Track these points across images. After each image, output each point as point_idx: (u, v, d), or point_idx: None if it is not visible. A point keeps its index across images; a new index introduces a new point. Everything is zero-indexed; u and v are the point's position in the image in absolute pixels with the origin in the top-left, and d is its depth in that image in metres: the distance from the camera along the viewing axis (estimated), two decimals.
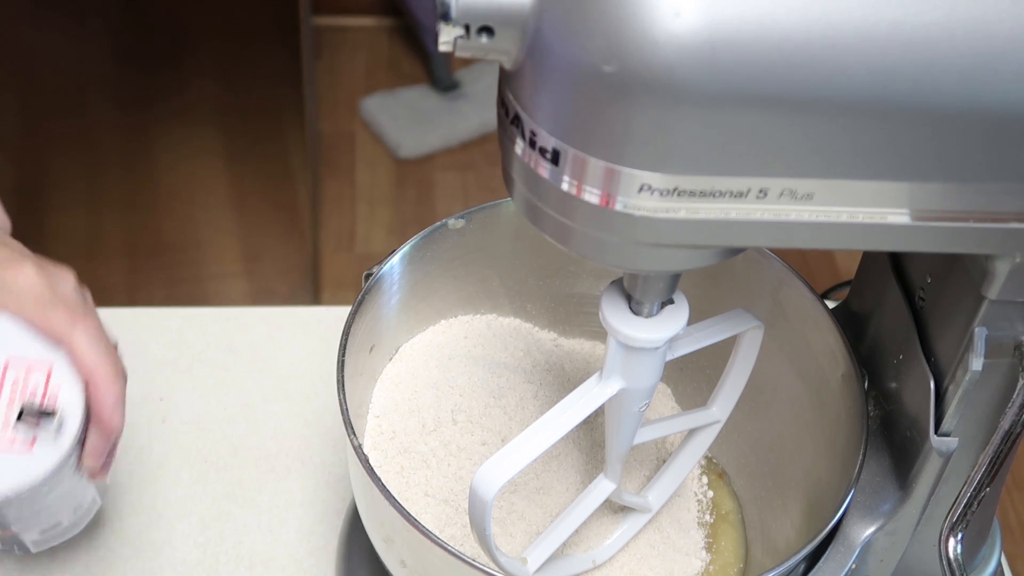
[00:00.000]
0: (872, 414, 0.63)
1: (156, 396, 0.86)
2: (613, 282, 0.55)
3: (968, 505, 0.56)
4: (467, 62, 2.39)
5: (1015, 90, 0.42)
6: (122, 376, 0.60)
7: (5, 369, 0.58)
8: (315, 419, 0.85)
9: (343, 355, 0.62)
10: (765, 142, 0.42)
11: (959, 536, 0.56)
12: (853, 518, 0.61)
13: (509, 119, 0.46)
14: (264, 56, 1.68)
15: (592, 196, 0.44)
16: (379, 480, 0.57)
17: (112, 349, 0.60)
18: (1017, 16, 0.41)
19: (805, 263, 2.06)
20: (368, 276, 0.67)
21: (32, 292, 0.59)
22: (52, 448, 0.58)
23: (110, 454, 0.63)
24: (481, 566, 0.55)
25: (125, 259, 1.77)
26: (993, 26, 0.41)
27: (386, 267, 0.68)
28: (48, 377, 0.59)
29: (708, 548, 0.72)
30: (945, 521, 0.57)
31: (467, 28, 0.43)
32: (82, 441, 0.60)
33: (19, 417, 0.58)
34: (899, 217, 0.46)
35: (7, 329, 0.59)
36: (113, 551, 0.77)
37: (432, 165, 2.28)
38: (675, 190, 0.43)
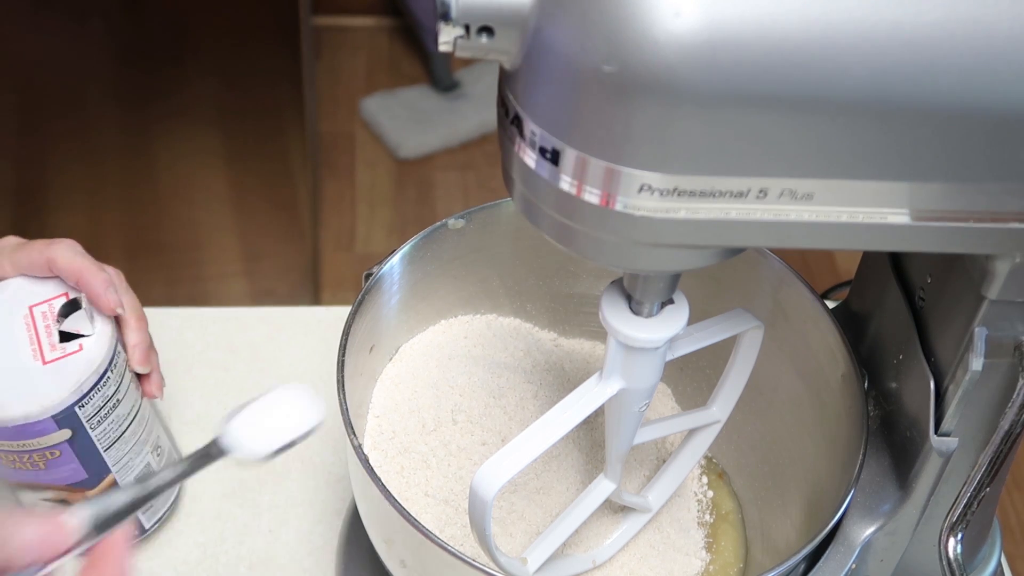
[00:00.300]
0: (872, 414, 0.63)
1: None
2: (613, 282, 0.55)
3: (968, 505, 0.56)
4: (467, 62, 2.39)
5: (1015, 90, 0.42)
6: (105, 272, 0.69)
7: (31, 309, 0.68)
8: None
9: (343, 355, 0.62)
10: (765, 142, 0.42)
11: (959, 536, 0.56)
12: (853, 518, 0.61)
13: (509, 119, 0.46)
14: (264, 56, 1.68)
15: (592, 196, 0.44)
16: (379, 480, 0.57)
17: (90, 258, 0.69)
18: (1017, 16, 0.41)
19: (805, 263, 2.06)
20: (368, 276, 0.67)
21: (11, 242, 0.71)
22: (99, 340, 0.67)
23: (155, 369, 0.72)
24: (481, 566, 0.55)
25: (125, 259, 1.77)
26: (993, 26, 0.41)
27: (386, 267, 0.68)
28: (67, 298, 0.69)
29: (708, 548, 0.72)
30: (945, 521, 0.57)
31: (467, 28, 0.43)
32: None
33: (61, 339, 0.67)
34: (899, 217, 0.46)
35: (21, 286, 0.69)
36: None
37: (432, 165, 2.28)
38: (675, 190, 0.43)
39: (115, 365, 0.68)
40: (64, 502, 0.70)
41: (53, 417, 0.65)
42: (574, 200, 0.45)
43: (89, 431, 0.67)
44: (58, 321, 0.67)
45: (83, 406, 0.66)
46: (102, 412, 0.67)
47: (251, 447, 0.50)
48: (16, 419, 0.64)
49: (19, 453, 0.66)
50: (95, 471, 0.69)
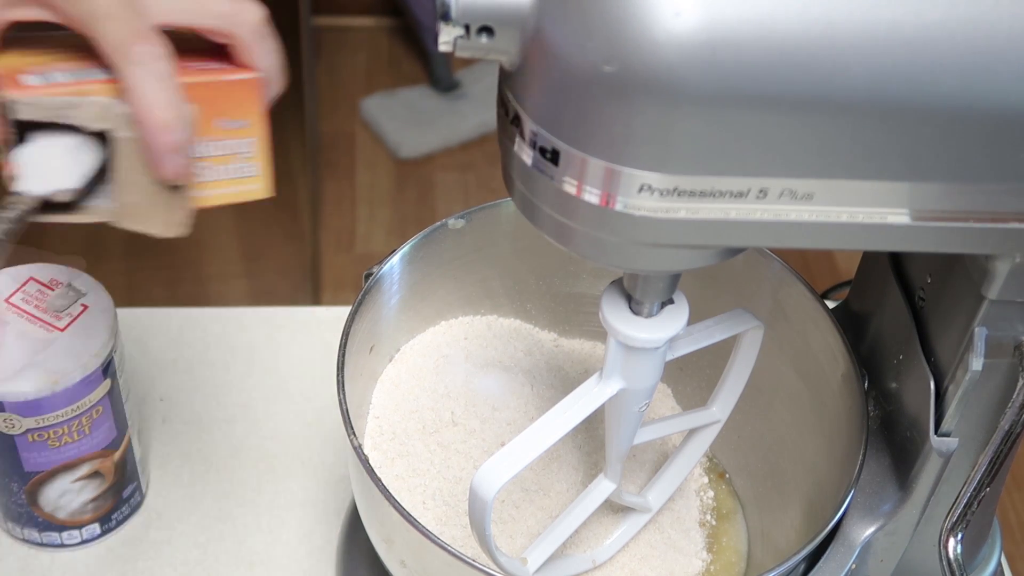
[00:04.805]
0: (872, 414, 0.63)
1: (156, 396, 0.86)
2: (613, 282, 0.55)
3: (968, 505, 0.56)
4: (467, 62, 2.39)
5: (1015, 90, 0.42)
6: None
7: (7, 302, 0.69)
8: (315, 419, 0.85)
9: (343, 355, 0.62)
10: (765, 142, 0.42)
11: (959, 536, 0.56)
12: (853, 518, 0.61)
13: (509, 119, 0.46)
14: None
15: (592, 196, 0.44)
16: (379, 480, 0.57)
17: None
18: (1017, 16, 0.41)
19: (805, 263, 2.06)
20: (368, 276, 0.67)
21: None
22: (97, 292, 0.70)
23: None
24: (481, 566, 0.55)
25: (125, 259, 1.76)
26: (993, 26, 0.41)
27: (386, 267, 0.68)
28: (34, 280, 0.71)
29: (709, 548, 0.72)
30: (945, 521, 0.57)
31: (467, 28, 0.43)
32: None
33: (59, 309, 0.69)
34: (899, 217, 0.46)
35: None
36: (113, 551, 0.77)
37: (432, 165, 2.28)
38: (675, 190, 0.43)
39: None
40: (96, 474, 0.72)
41: (101, 366, 0.68)
42: (574, 200, 0.45)
43: (119, 380, 0.70)
44: (44, 296, 0.69)
45: (116, 351, 0.69)
46: (121, 361, 0.71)
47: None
48: (75, 377, 0.66)
49: (69, 422, 0.68)
50: (120, 428, 0.72)
